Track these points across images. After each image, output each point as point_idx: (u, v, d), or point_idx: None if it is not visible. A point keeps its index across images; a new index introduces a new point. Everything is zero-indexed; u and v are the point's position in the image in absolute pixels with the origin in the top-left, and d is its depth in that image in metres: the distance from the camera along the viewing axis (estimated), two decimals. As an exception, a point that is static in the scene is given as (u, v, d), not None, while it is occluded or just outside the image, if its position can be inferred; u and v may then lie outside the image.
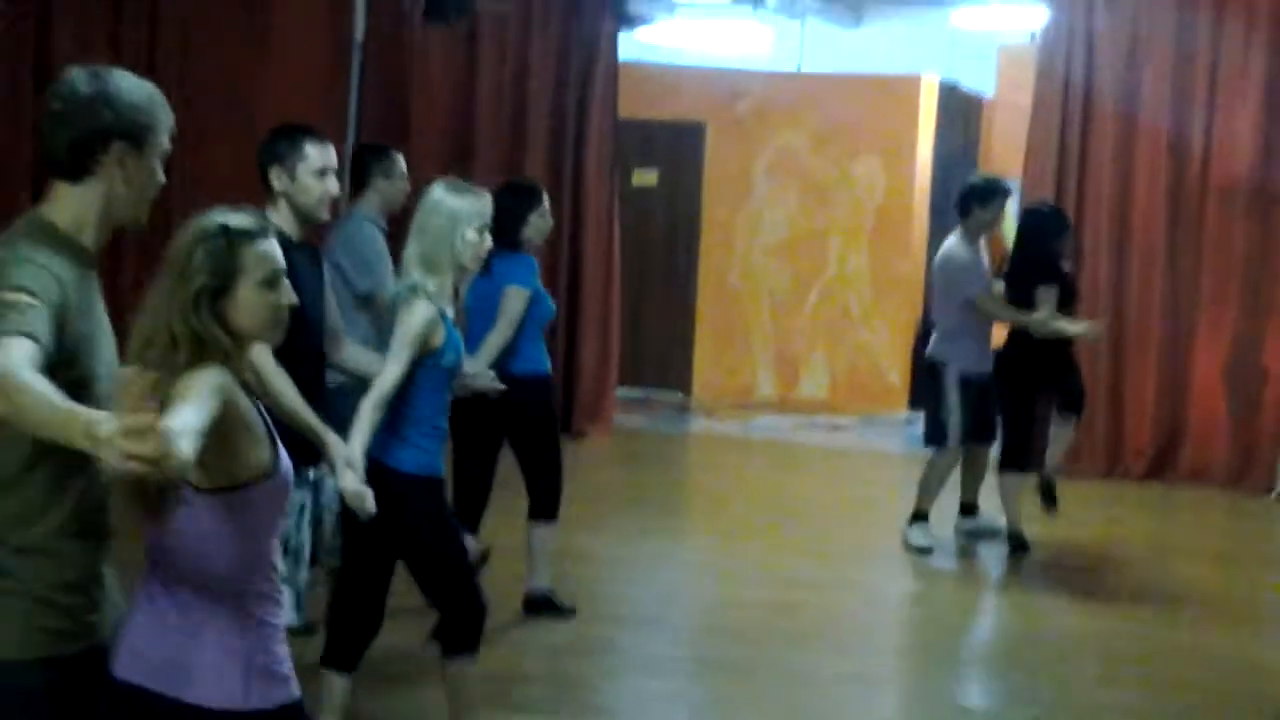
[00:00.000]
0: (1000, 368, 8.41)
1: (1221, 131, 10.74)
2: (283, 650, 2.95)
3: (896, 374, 13.19)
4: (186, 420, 2.52)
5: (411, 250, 4.71)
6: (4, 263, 2.80)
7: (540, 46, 11.87)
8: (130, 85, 2.97)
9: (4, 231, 2.95)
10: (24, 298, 2.72)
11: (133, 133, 2.94)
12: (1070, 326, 8.26)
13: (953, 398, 8.24)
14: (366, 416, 4.50)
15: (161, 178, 3.05)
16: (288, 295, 2.93)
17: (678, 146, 13.52)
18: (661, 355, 13.46)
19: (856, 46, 15.86)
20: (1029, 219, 8.74)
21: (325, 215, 5.10)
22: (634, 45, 13.20)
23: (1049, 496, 8.49)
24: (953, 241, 8.48)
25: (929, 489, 8.40)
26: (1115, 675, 6.68)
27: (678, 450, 11.70)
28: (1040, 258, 8.35)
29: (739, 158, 13.25)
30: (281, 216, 4.99)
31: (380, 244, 6.25)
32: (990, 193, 8.48)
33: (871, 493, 10.37)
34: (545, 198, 6.80)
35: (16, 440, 2.74)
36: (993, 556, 8.47)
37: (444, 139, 11.90)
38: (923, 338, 13.43)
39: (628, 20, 12.33)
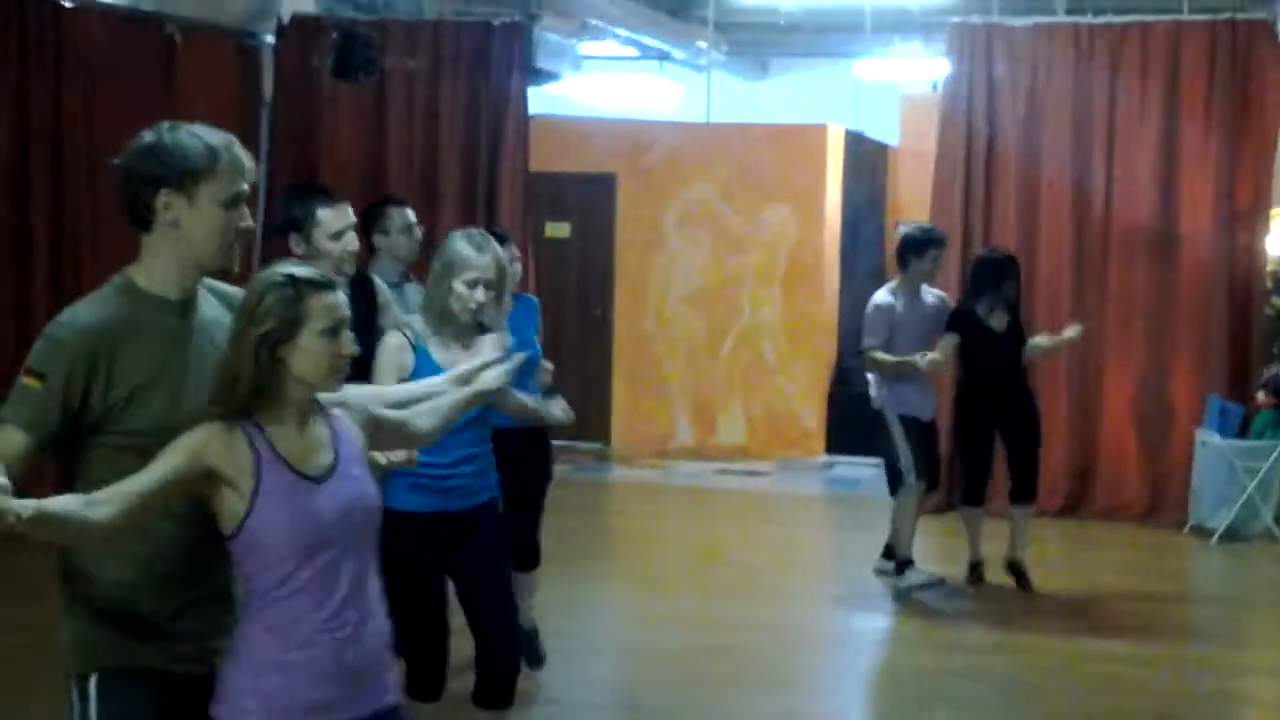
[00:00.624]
0: (956, 404, 8.67)
1: (1121, 177, 10.97)
2: (319, 692, 3.02)
3: (813, 418, 13.30)
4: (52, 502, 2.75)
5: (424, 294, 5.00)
6: (41, 335, 3.04)
7: (450, 102, 11.91)
8: (188, 137, 3.15)
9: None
10: (33, 384, 2.97)
11: (178, 181, 3.10)
12: (919, 361, 8.27)
13: (898, 437, 8.35)
14: None
15: (244, 222, 3.19)
16: (348, 345, 3.08)
17: (589, 198, 13.60)
18: (579, 405, 13.33)
19: (763, 98, 16.11)
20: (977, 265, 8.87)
21: (349, 270, 5.22)
22: (544, 100, 13.29)
23: (1021, 576, 8.63)
24: (880, 291, 8.66)
25: (904, 532, 8.45)
26: (1027, 708, 6.76)
27: (598, 498, 11.71)
28: (969, 302, 8.62)
29: (650, 208, 13.35)
30: None
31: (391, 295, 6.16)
32: (925, 243, 8.61)
33: (792, 535, 10.44)
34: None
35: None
36: (916, 598, 8.55)
37: (355, 195, 11.83)
38: (838, 382, 13.60)
39: (536, 76, 12.41)
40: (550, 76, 12.82)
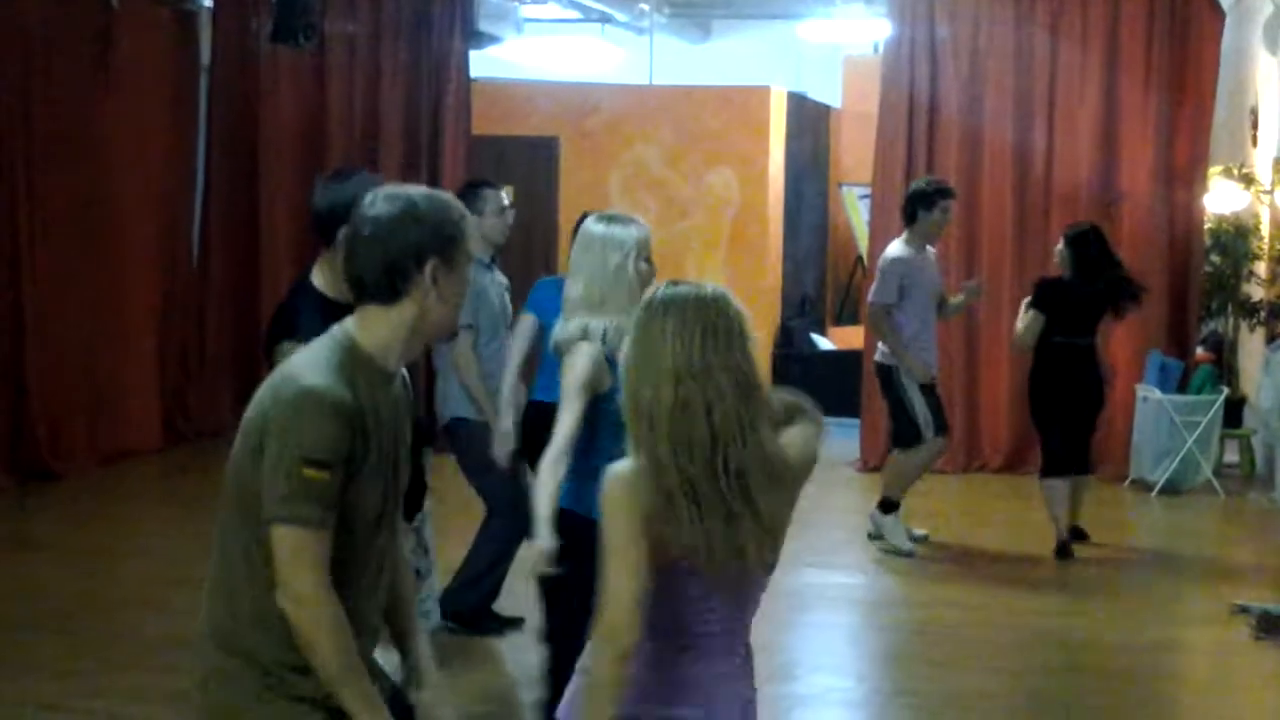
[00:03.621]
0: (1031, 380, 8.66)
1: (1062, 137, 11.04)
2: None
3: (757, 381, 13.34)
4: None
5: (572, 291, 4.46)
6: (300, 409, 2.79)
7: (390, 66, 11.85)
8: (432, 199, 2.95)
9: (308, 344, 2.95)
10: (316, 474, 2.77)
11: (444, 248, 2.90)
12: (917, 368, 8.36)
13: (913, 393, 8.36)
14: (548, 474, 4.24)
15: (469, 283, 3.03)
16: None
17: (531, 162, 13.54)
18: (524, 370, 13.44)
19: (705, 60, 16.08)
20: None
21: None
22: (485, 63, 13.22)
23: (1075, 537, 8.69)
24: (893, 246, 8.56)
25: (906, 479, 8.55)
26: (972, 662, 6.84)
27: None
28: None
29: (593, 172, 13.32)
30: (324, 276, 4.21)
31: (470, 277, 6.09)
32: (934, 194, 8.51)
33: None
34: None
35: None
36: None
37: (295, 160, 11.82)
38: (781, 344, 13.64)
39: (477, 39, 12.33)
40: (492, 39, 12.75)
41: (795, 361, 13.32)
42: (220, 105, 11.93)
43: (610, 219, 4.58)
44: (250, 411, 2.88)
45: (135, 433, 11.04)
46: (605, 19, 14.62)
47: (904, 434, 8.54)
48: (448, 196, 2.98)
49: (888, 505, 8.60)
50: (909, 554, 8.51)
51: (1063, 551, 8.49)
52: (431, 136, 11.78)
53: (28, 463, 10.00)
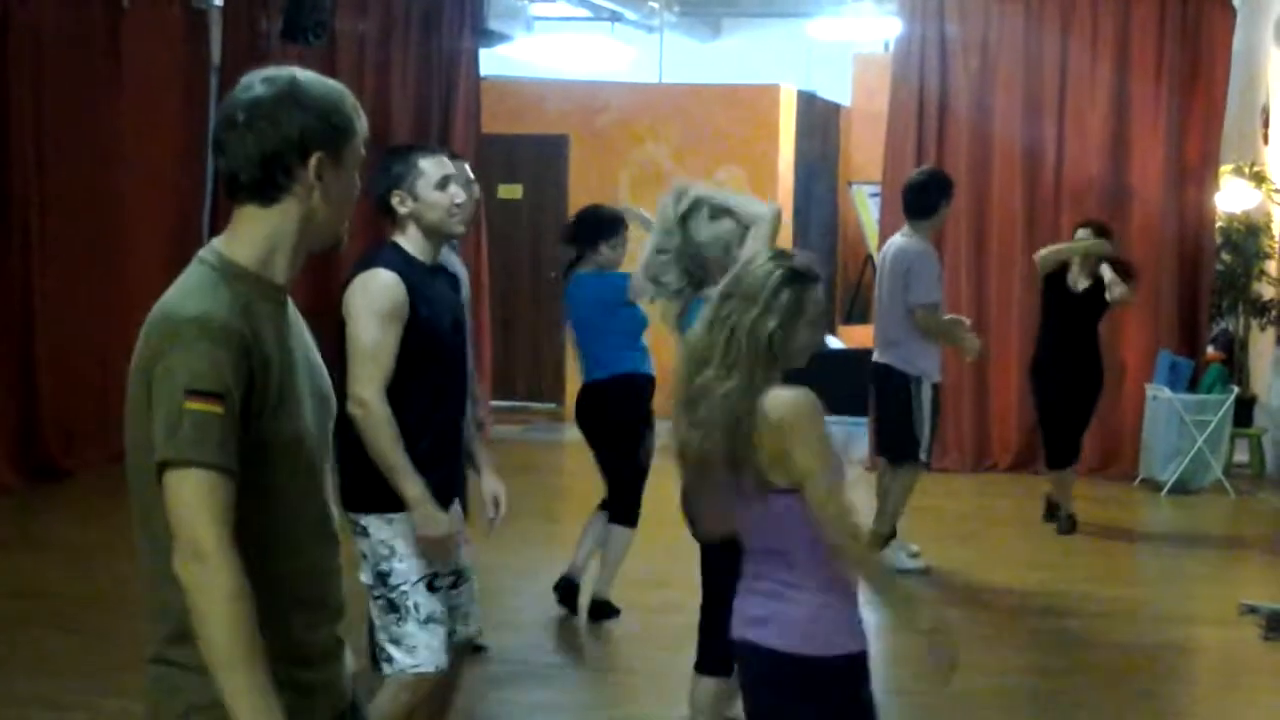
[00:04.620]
0: (1040, 373, 8.72)
1: (1072, 135, 11.03)
2: None
3: (766, 380, 13.34)
4: None
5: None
6: (170, 346, 2.37)
7: (400, 64, 11.86)
8: (318, 83, 2.52)
9: (176, 277, 2.54)
10: (211, 408, 2.33)
11: (332, 139, 2.49)
12: (969, 342, 8.20)
13: (926, 412, 7.89)
14: None
15: (358, 187, 2.61)
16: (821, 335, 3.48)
17: (542, 159, 13.56)
18: (532, 367, 13.48)
19: (715, 58, 16.07)
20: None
21: (458, 229, 4.63)
22: (496, 61, 13.24)
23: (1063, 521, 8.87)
24: (913, 242, 7.94)
25: (898, 506, 8.07)
26: (979, 660, 6.84)
27: (553, 459, 11.72)
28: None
29: (602, 170, 13.31)
30: (411, 241, 4.46)
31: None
32: (951, 185, 8.14)
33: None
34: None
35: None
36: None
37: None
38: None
39: (488, 37, 12.35)
40: (502, 38, 12.77)
41: (805, 360, 13.31)
42: (230, 103, 11.94)
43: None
44: (133, 363, 2.45)
45: (145, 431, 11.03)
46: (615, 17, 14.62)
47: (899, 447, 8.07)
48: (341, 86, 2.57)
49: (886, 539, 8.11)
50: (925, 570, 8.16)
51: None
52: (441, 134, 11.78)
53: (38, 461, 10.02)
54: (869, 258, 14.64)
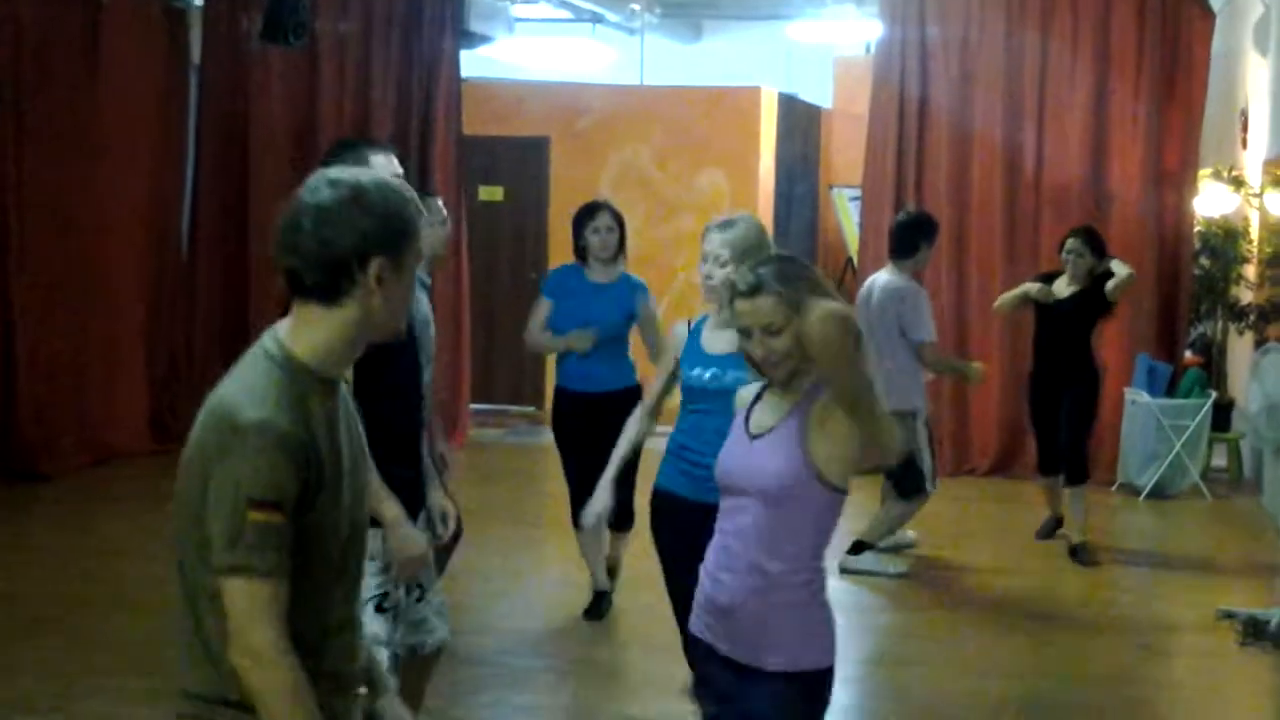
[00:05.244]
0: (1038, 387, 8.67)
1: (1052, 139, 11.06)
2: None
3: (746, 382, 13.34)
4: None
5: None
6: (233, 450, 2.48)
7: (381, 65, 11.83)
8: (382, 187, 2.60)
9: (236, 365, 2.62)
10: (272, 519, 2.48)
11: (393, 243, 2.56)
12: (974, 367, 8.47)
13: (925, 445, 8.18)
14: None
15: (415, 284, 2.73)
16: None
17: (522, 161, 13.55)
18: (513, 369, 13.46)
19: (696, 60, 16.08)
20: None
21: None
22: (476, 63, 13.22)
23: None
24: (901, 280, 8.15)
25: (890, 528, 8.31)
26: (960, 668, 6.85)
27: (532, 463, 11.71)
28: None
29: (584, 172, 13.31)
30: None
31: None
32: (934, 228, 8.39)
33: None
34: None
35: None
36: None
37: (285, 159, 11.79)
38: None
39: (469, 39, 12.33)
40: (483, 39, 12.75)
41: (785, 362, 13.32)
42: (210, 103, 11.91)
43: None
44: (189, 451, 2.57)
45: (124, 434, 11.01)
46: (596, 19, 14.61)
47: (907, 484, 8.23)
48: (400, 184, 2.65)
49: (861, 547, 8.28)
50: (905, 573, 8.31)
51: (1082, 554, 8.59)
52: (422, 136, 11.76)
53: (16, 464, 9.98)
54: (849, 261, 14.66)
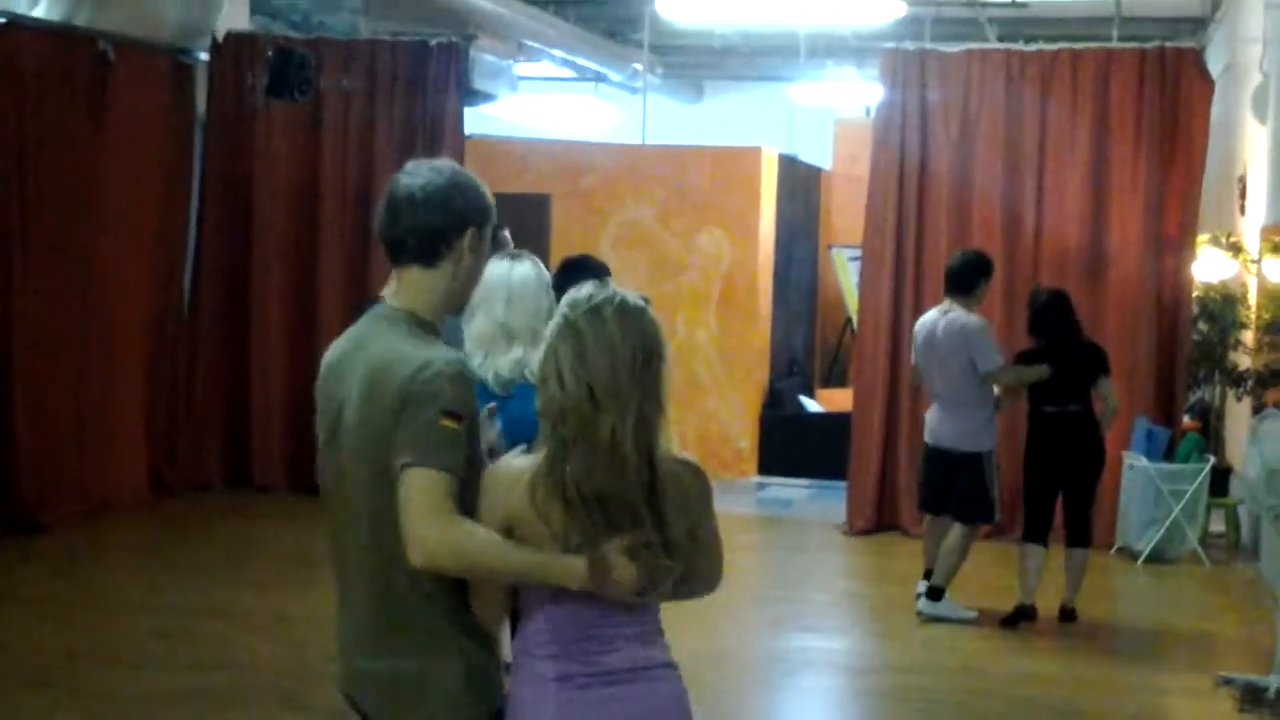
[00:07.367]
0: (1035, 455, 8.63)
1: (1051, 203, 11.10)
2: None
3: (745, 440, 13.35)
4: None
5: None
6: (428, 378, 2.93)
7: (386, 122, 11.91)
8: (470, 175, 3.17)
9: (375, 323, 3.11)
10: (455, 426, 2.92)
11: (482, 220, 3.13)
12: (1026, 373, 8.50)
13: (994, 475, 8.46)
14: None
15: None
16: None
17: (524, 219, 13.56)
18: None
19: (698, 121, 16.20)
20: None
21: None
22: (480, 120, 13.31)
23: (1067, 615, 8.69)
24: (965, 315, 8.45)
25: (957, 563, 8.52)
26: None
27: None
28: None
29: (585, 230, 13.37)
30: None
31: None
32: (991, 266, 8.73)
33: (726, 557, 10.43)
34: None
35: None
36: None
37: (289, 214, 11.87)
38: (769, 405, 13.66)
39: (472, 96, 12.42)
40: (487, 97, 12.85)
41: (783, 423, 13.34)
42: (215, 157, 11.98)
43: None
44: (364, 424, 2.98)
45: (122, 485, 11.01)
46: (599, 79, 14.75)
47: (976, 513, 8.46)
48: (477, 177, 3.18)
49: (937, 593, 8.52)
50: (975, 618, 8.53)
51: (1012, 619, 8.53)
52: (425, 193, 11.80)
53: (14, 515, 9.97)
54: (848, 321, 14.71)
